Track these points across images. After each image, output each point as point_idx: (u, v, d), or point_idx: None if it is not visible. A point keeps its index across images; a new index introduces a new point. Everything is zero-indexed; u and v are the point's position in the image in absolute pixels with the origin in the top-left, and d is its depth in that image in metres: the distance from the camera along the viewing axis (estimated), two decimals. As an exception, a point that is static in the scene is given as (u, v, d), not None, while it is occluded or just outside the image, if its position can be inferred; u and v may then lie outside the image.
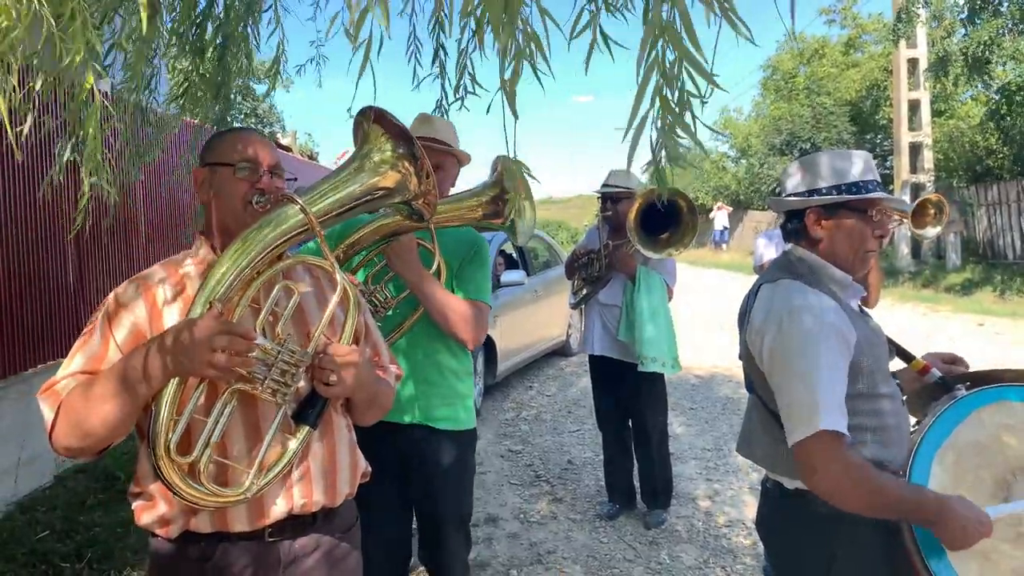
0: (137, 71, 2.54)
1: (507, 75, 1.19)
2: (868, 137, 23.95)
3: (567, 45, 1.32)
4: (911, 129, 17.24)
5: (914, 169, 17.23)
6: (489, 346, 7.11)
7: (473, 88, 2.75)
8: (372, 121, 1.68)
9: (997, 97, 13.60)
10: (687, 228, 4.11)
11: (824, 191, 1.86)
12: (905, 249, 17.52)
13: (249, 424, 1.59)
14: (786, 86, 27.14)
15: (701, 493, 4.98)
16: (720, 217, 28.85)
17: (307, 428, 1.60)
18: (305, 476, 1.64)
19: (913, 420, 2.01)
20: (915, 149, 17.20)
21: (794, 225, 1.94)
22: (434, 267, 2.42)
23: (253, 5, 2.88)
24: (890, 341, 2.07)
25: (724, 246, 28.43)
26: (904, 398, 2.06)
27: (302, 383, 1.60)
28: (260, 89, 17.54)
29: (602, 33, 1.30)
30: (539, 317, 8.60)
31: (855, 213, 1.85)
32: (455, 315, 2.44)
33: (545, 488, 5.19)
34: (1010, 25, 11.93)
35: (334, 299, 1.61)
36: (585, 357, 4.86)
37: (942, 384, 1.98)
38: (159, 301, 1.61)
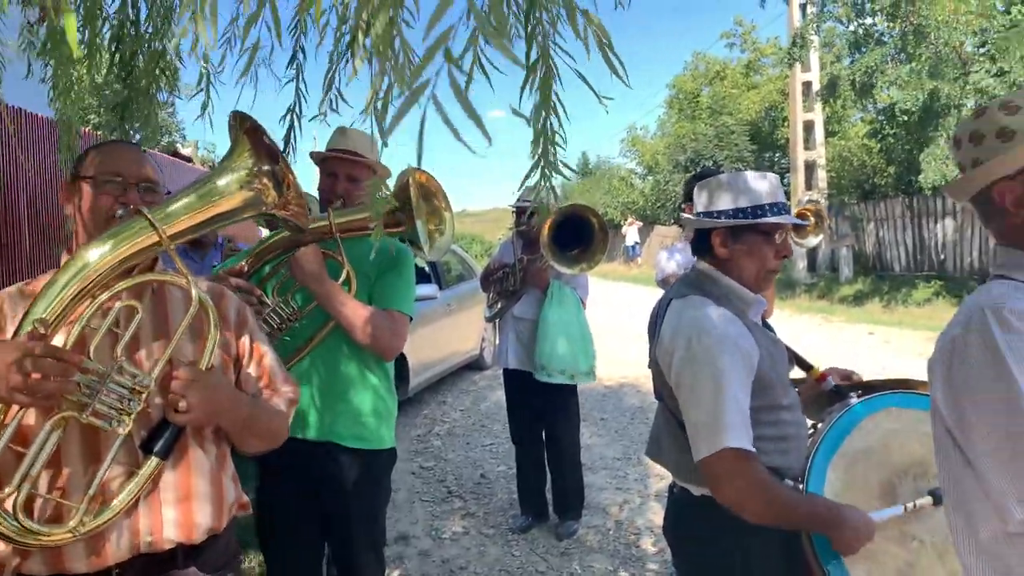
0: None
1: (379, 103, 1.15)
2: (767, 155, 25.02)
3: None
4: (806, 148, 18.11)
5: (809, 186, 18.09)
6: (400, 361, 7.04)
7: (335, 106, 2.59)
8: (237, 128, 1.63)
9: (880, 118, 14.43)
10: (598, 244, 4.19)
11: (731, 213, 1.91)
12: (802, 263, 18.34)
13: (90, 455, 1.46)
14: (690, 106, 28.11)
15: (611, 502, 5.06)
16: (631, 232, 29.51)
17: (155, 458, 1.47)
18: (155, 510, 1.51)
19: (810, 423, 2.11)
20: (810, 167, 18.06)
21: (702, 243, 1.99)
22: (342, 277, 2.35)
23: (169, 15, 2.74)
24: (790, 351, 2.16)
25: (636, 260, 29.10)
26: (803, 406, 2.15)
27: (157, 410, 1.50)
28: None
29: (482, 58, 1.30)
30: (452, 331, 8.59)
31: (760, 235, 1.91)
32: (367, 325, 2.36)
33: (458, 504, 5.17)
34: (892, 54, 12.72)
35: (185, 319, 1.51)
36: (499, 370, 4.89)
37: (836, 392, 2.09)
38: (3, 321, 1.51)
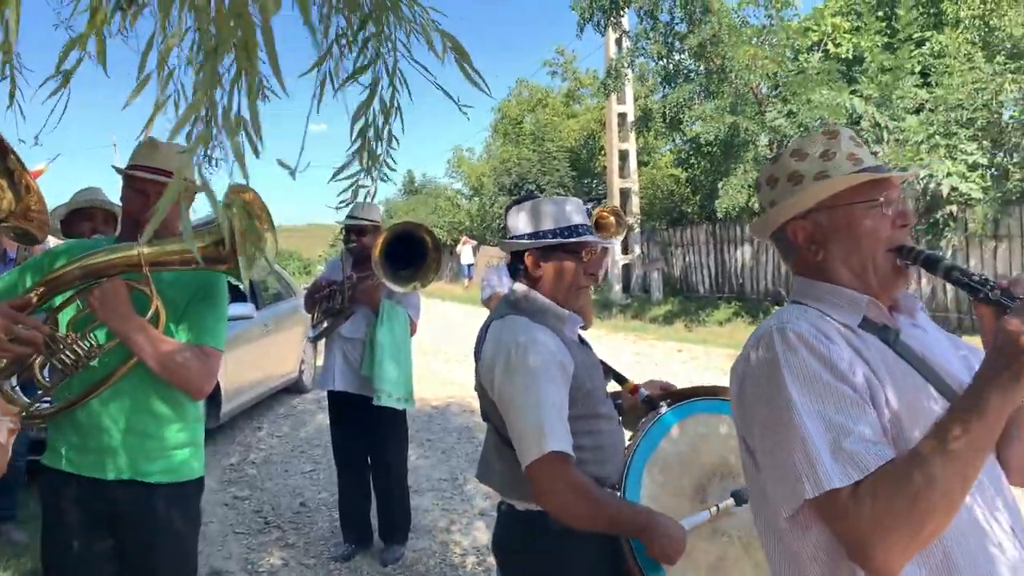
0: None
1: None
2: (586, 182, 26.20)
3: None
4: (622, 176, 19.13)
5: (624, 213, 19.12)
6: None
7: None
8: None
9: (687, 149, 15.56)
10: (431, 263, 4.15)
11: (542, 235, 2.02)
12: (617, 285, 19.30)
13: None
14: (514, 131, 28.92)
15: (437, 524, 5.02)
16: (466, 252, 29.61)
17: None
18: None
19: (629, 435, 2.21)
20: (625, 195, 19.09)
21: (518, 265, 2.08)
22: (150, 312, 2.11)
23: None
24: (605, 366, 2.27)
25: (468, 280, 29.27)
26: (621, 417, 2.26)
27: None
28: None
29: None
30: (269, 353, 8.22)
31: (569, 255, 2.03)
32: (175, 365, 2.16)
33: (275, 535, 4.92)
34: (698, 90, 13.78)
35: None
36: (321, 393, 4.71)
37: (648, 402, 2.20)
38: None
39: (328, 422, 4.72)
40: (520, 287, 2.07)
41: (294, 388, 9.31)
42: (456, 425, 7.72)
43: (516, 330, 1.93)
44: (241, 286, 7.55)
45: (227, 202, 2.13)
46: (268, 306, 8.47)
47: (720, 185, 13.06)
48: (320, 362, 5.04)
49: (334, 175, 1.15)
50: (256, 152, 0.96)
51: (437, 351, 12.25)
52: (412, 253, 4.15)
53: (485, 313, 3.12)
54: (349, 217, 4.39)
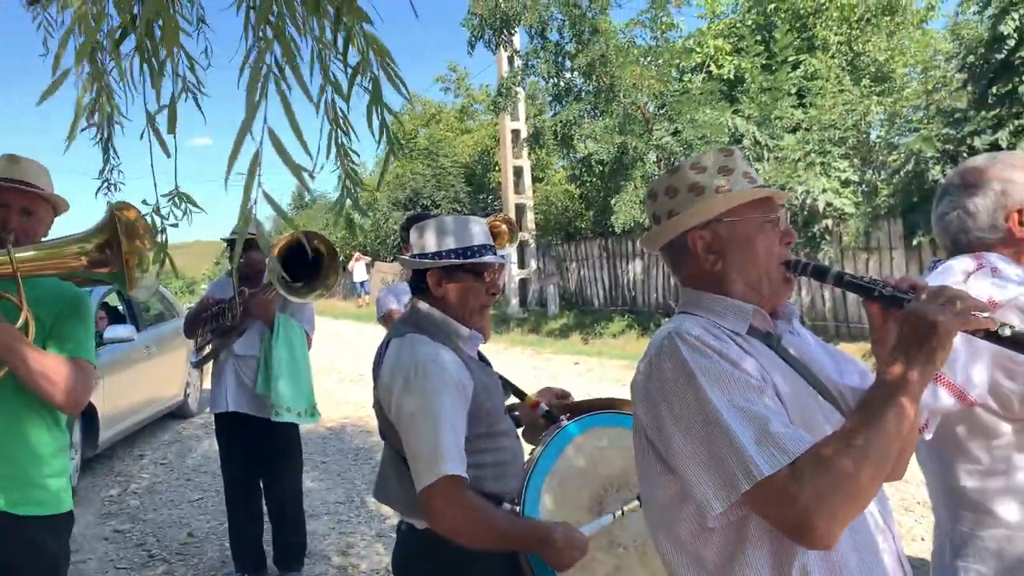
0: None
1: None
2: (481, 197, 26.33)
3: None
4: (517, 192, 19.32)
5: (520, 228, 19.29)
6: (89, 413, 6.20)
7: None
8: None
9: (579, 166, 15.84)
10: (329, 271, 4.05)
11: (445, 254, 2.01)
12: (514, 300, 19.44)
13: None
14: (407, 145, 28.76)
15: (334, 548, 4.86)
16: (359, 268, 28.96)
17: None
18: None
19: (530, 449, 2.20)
20: (520, 210, 19.28)
21: (420, 283, 2.07)
22: (20, 321, 2.00)
23: None
24: (505, 381, 2.27)
25: (363, 298, 28.68)
26: (522, 430, 2.29)
27: None
28: None
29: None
30: (152, 376, 7.80)
31: (471, 274, 2.03)
32: (51, 377, 2.04)
33: (161, 568, 4.65)
34: (588, 109, 14.09)
35: None
36: (208, 417, 4.49)
37: (549, 416, 2.21)
38: None
39: (217, 447, 4.50)
40: (422, 305, 2.07)
41: (179, 413, 8.88)
42: (352, 446, 7.53)
43: (416, 349, 1.92)
44: (119, 303, 7.14)
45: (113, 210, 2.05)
46: (150, 327, 8.06)
47: (613, 201, 13.37)
48: (208, 384, 4.80)
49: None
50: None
51: (330, 370, 11.97)
52: (306, 264, 4.05)
53: (379, 331, 3.05)
54: (233, 232, 4.24)
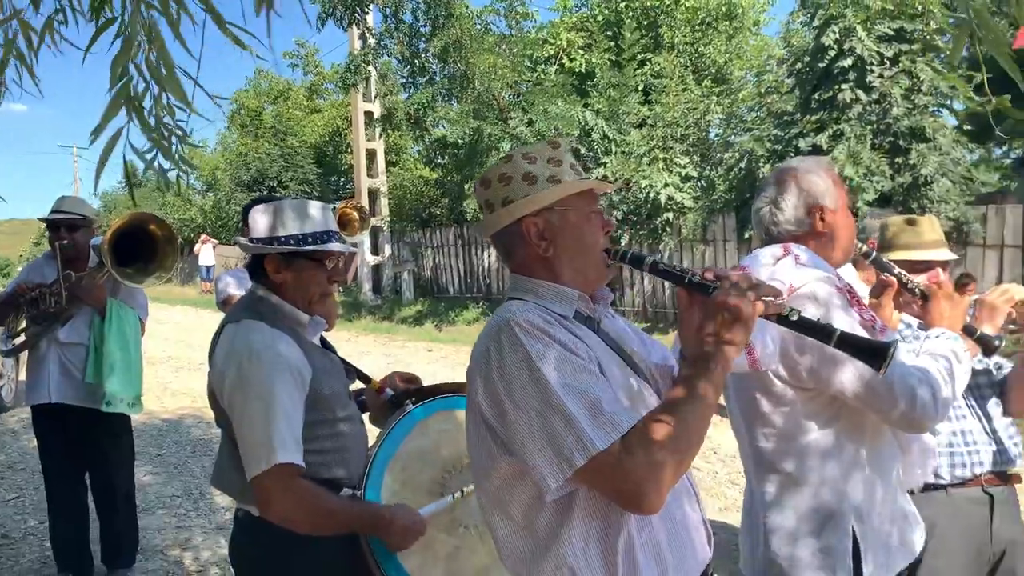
0: None
1: None
2: (332, 180, 25.66)
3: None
4: (370, 176, 18.96)
5: (373, 213, 18.97)
6: None
7: None
8: None
9: (433, 148, 15.75)
10: (165, 255, 3.82)
11: (284, 240, 1.97)
12: (367, 286, 19.13)
13: None
14: (253, 123, 27.52)
15: (171, 542, 4.62)
16: (206, 251, 27.16)
17: None
18: None
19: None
20: (373, 194, 18.95)
21: (258, 268, 2.02)
22: None
23: None
24: (350, 366, 2.27)
25: (206, 282, 27.07)
26: (369, 415, 2.30)
27: None
28: None
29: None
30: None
31: (312, 261, 2.00)
32: None
33: (-32, 573, 4.24)
34: (442, 93, 14.03)
35: None
36: (24, 411, 4.12)
37: (394, 401, 2.21)
38: None
39: (35, 442, 4.15)
40: (260, 291, 2.02)
41: (-8, 405, 8.11)
42: (191, 438, 7.18)
43: (251, 336, 1.89)
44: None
45: None
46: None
47: (467, 187, 13.42)
48: (23, 375, 4.41)
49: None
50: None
51: (166, 359, 11.31)
52: (139, 246, 3.81)
53: (220, 317, 2.92)
54: (55, 212, 3.92)
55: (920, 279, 2.17)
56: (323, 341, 2.14)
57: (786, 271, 1.81)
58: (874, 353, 1.30)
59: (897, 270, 2.08)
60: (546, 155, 1.53)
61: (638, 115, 13.87)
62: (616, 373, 1.43)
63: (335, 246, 2.01)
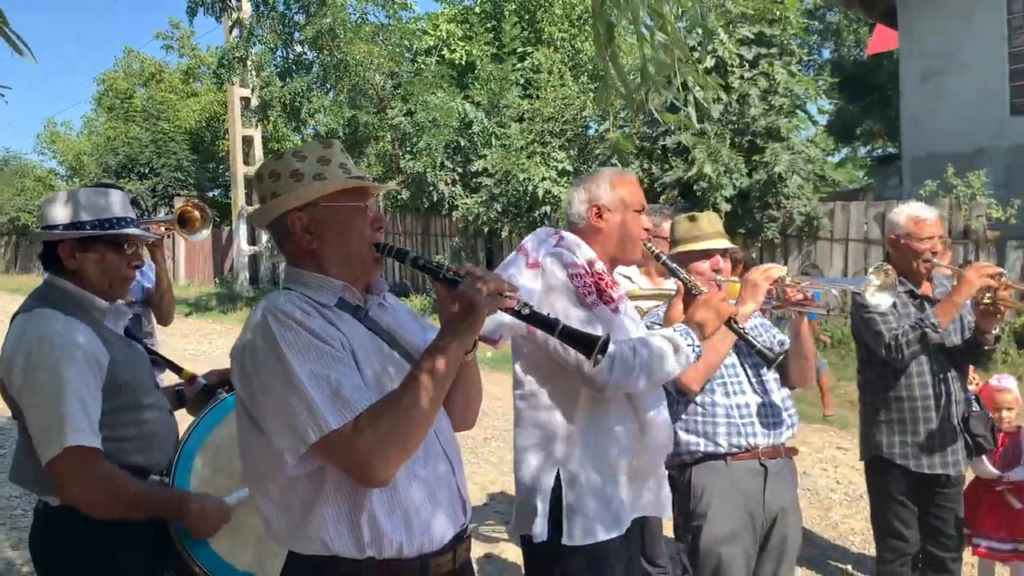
0: None
1: None
2: (209, 167, 24.69)
3: None
4: (246, 163, 18.37)
5: (250, 201, 18.40)
6: None
7: None
8: None
9: (312, 137, 15.48)
10: None
11: (79, 225, 1.97)
12: (244, 276, 18.58)
13: None
14: (122, 106, 26.08)
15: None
16: None
17: None
18: None
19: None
20: (250, 182, 18.37)
21: (51, 255, 2.01)
22: None
23: None
24: (161, 357, 2.37)
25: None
26: (186, 407, 2.32)
27: None
28: None
29: None
30: None
31: (110, 246, 2.00)
32: None
33: None
34: (317, 82, 13.80)
35: None
36: None
37: (207, 391, 2.25)
38: None
39: None
40: (54, 278, 2.01)
41: None
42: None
43: (41, 323, 1.88)
44: None
45: None
46: None
47: (344, 177, 13.27)
48: None
49: None
50: None
51: None
52: None
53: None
54: None
55: (707, 265, 2.62)
56: (127, 331, 2.13)
57: (547, 245, 2.13)
58: (587, 345, 1.48)
59: (683, 275, 2.38)
60: (316, 154, 1.62)
61: (518, 109, 14.04)
62: (374, 359, 1.54)
63: (133, 231, 2.03)
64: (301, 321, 1.46)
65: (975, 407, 3.20)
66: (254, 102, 16.83)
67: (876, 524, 3.34)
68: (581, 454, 2.05)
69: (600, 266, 2.12)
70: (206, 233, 4.09)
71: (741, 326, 2.27)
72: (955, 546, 3.25)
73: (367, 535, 1.46)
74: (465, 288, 1.44)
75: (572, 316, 1.96)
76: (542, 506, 2.06)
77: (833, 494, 5.25)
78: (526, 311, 1.49)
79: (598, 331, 1.76)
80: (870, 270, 2.49)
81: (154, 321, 3.90)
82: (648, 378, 2.00)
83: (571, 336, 1.51)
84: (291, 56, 13.84)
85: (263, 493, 1.52)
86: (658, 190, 11.18)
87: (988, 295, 2.89)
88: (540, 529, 2.06)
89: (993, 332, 3.01)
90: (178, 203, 4.08)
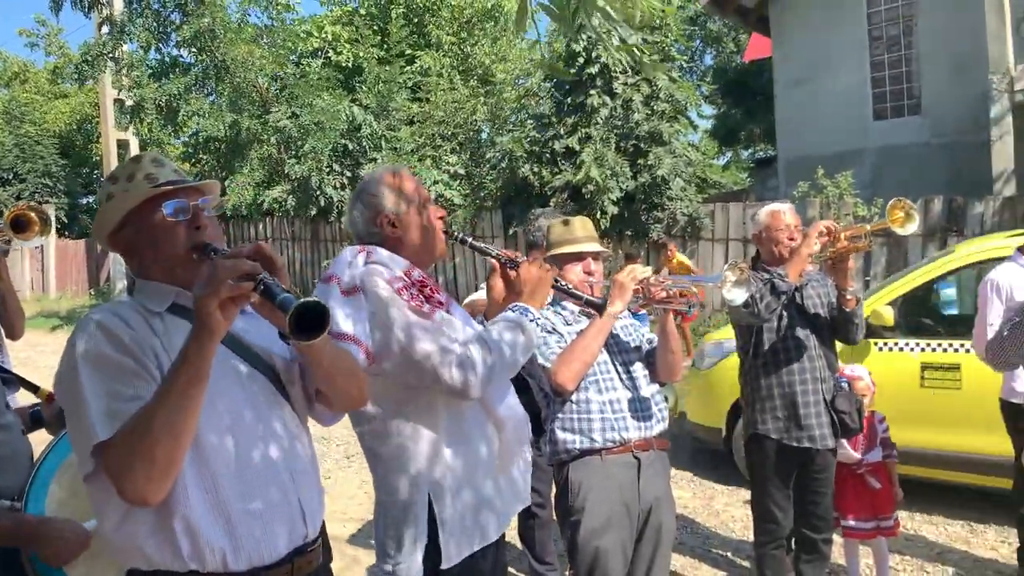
0: None
1: None
2: (83, 171, 23.37)
3: None
4: (122, 168, 17.45)
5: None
6: None
7: None
8: None
9: (192, 142, 14.88)
10: None
11: None
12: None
13: None
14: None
15: None
16: None
17: None
18: None
19: None
20: (127, 188, 17.47)
21: None
22: None
23: None
24: (16, 377, 2.25)
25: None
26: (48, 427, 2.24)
27: None
28: None
29: None
30: None
31: None
32: None
33: None
34: (197, 85, 13.27)
35: None
36: None
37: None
38: None
39: None
40: None
41: None
42: None
43: None
44: None
45: None
46: None
47: (227, 183, 12.84)
48: None
49: None
50: None
51: None
52: None
53: None
54: None
55: (579, 268, 2.62)
56: None
57: (357, 266, 1.93)
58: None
59: (493, 252, 2.19)
60: (127, 172, 1.62)
61: (408, 112, 13.94)
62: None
63: None
64: (108, 330, 1.44)
65: (843, 387, 3.40)
66: (128, 103, 16.03)
67: (754, 509, 3.49)
68: (448, 469, 1.92)
69: (418, 273, 2.01)
70: (43, 240, 3.84)
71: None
72: (826, 527, 3.43)
73: (186, 547, 1.42)
74: (195, 289, 1.34)
75: (423, 329, 1.84)
76: (415, 530, 1.90)
77: (716, 484, 5.43)
78: (260, 288, 1.33)
79: (446, 338, 1.82)
80: (724, 267, 2.60)
81: (4, 338, 3.63)
82: (513, 368, 1.97)
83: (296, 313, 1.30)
84: (167, 56, 13.24)
85: (96, 510, 1.49)
86: (548, 193, 11.35)
87: (830, 249, 3.11)
88: (410, 556, 1.90)
89: (851, 291, 3.22)
90: (15, 206, 3.81)
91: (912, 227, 3.14)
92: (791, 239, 3.26)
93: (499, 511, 2.02)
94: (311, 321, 1.29)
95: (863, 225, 3.33)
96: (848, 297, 3.23)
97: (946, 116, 11.14)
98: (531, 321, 1.98)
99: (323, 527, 1.70)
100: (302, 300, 1.29)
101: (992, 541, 4.33)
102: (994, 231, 8.82)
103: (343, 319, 1.83)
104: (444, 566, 1.88)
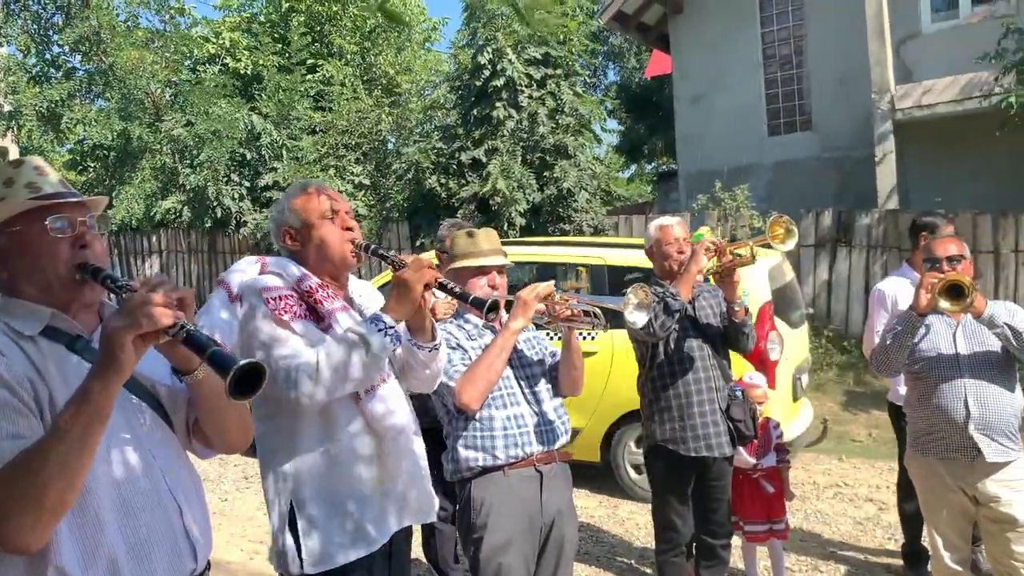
0: None
1: None
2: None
3: None
4: (1, 177, 16.44)
5: None
6: None
7: None
8: None
9: (79, 150, 14.09)
10: None
11: None
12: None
13: None
14: None
15: None
16: None
17: None
18: None
19: None
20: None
21: None
22: None
23: None
24: None
25: None
26: None
27: None
28: None
29: None
30: None
31: None
32: None
33: None
34: (82, 91, 12.60)
35: None
36: None
37: None
38: None
39: None
40: None
41: None
42: None
43: None
44: None
45: None
46: None
47: (115, 194, 12.23)
48: None
49: None
50: None
51: None
52: None
53: None
54: None
55: (484, 282, 2.60)
56: None
57: (246, 275, 2.07)
58: (221, 366, 1.26)
59: (391, 256, 2.14)
60: (4, 176, 1.50)
61: (310, 121, 13.62)
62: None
63: None
64: None
65: (737, 395, 3.47)
66: (6, 108, 15.07)
67: (655, 518, 3.52)
68: (310, 477, 1.99)
69: (311, 282, 2.04)
70: None
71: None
72: (725, 533, 3.50)
73: None
74: (113, 316, 1.29)
75: (278, 339, 1.91)
76: (289, 540, 1.99)
77: (620, 494, 5.48)
78: (182, 335, 1.29)
79: (307, 352, 1.87)
80: (627, 290, 2.60)
81: None
82: (356, 382, 1.93)
83: (215, 362, 1.27)
84: (48, 60, 12.48)
85: None
86: (456, 204, 11.28)
87: (716, 264, 3.21)
88: (295, 567, 1.98)
89: (738, 303, 3.30)
90: None
91: (792, 243, 3.24)
92: (680, 252, 3.33)
93: (379, 521, 2.00)
94: (249, 383, 1.25)
95: (747, 241, 3.43)
96: (736, 308, 3.31)
97: (835, 132, 11.71)
98: (380, 331, 1.90)
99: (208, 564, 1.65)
100: (240, 364, 1.23)
101: (880, 539, 4.53)
102: (879, 242, 9.33)
103: (223, 324, 1.95)
104: (308, 570, 1.93)
